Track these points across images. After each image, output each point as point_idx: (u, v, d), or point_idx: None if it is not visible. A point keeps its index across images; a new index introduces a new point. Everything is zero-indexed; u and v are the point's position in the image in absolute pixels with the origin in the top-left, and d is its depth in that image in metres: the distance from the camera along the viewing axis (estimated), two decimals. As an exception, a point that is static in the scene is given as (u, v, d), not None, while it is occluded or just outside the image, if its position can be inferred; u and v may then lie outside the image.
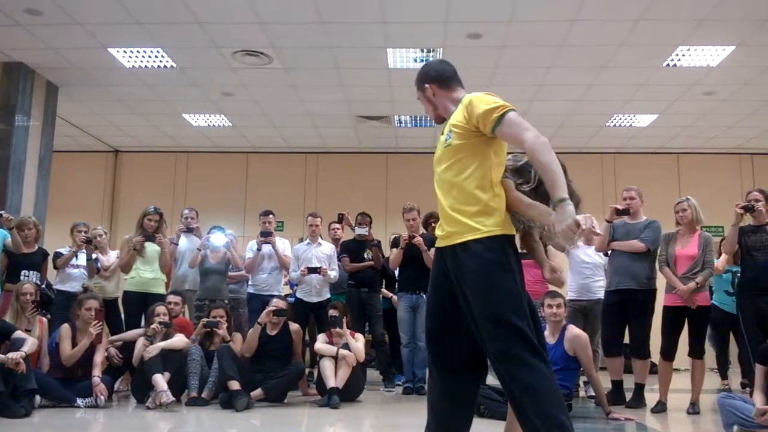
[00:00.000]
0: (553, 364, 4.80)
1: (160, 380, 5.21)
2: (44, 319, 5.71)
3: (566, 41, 7.02)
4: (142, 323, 6.13)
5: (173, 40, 7.22)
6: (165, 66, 7.86)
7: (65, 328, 5.51)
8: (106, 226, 9.22)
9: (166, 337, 5.62)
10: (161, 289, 6.56)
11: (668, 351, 5.54)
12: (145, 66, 7.87)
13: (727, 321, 6.65)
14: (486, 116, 2.52)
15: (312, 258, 6.72)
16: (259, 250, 6.81)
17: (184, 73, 8.12)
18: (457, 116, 2.64)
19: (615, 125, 9.92)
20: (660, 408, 5.45)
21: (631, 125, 9.91)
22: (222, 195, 11.30)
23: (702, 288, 5.47)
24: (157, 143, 11.31)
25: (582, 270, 6.34)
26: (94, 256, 6.57)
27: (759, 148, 10.88)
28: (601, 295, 6.12)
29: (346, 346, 5.81)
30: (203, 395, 5.48)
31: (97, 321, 5.50)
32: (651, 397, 5.67)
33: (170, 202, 10.54)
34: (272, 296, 6.35)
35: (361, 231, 6.99)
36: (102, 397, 5.21)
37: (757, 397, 4.27)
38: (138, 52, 7.52)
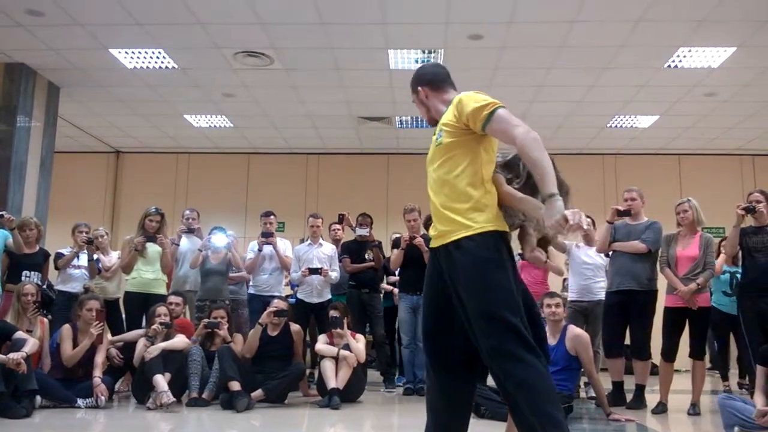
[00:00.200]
0: (555, 365, 4.87)
1: (161, 381, 5.21)
2: (45, 320, 5.72)
3: (567, 42, 7.02)
4: (143, 324, 6.13)
5: (174, 41, 7.23)
6: (166, 67, 7.87)
7: (66, 328, 5.52)
8: (107, 226, 9.23)
9: (167, 337, 5.63)
10: (162, 290, 6.57)
11: (669, 352, 5.54)
12: (147, 67, 7.88)
13: (726, 322, 6.64)
14: (476, 114, 2.53)
15: (313, 259, 6.73)
16: (260, 250, 6.81)
17: (186, 74, 8.13)
18: (448, 115, 2.67)
19: (616, 126, 9.92)
20: (660, 409, 5.44)
21: (632, 126, 9.90)
22: (223, 196, 11.32)
23: (703, 289, 5.47)
24: (158, 144, 11.32)
25: (583, 271, 6.34)
26: (95, 256, 6.58)
27: (760, 149, 10.87)
28: (601, 296, 6.12)
29: (347, 347, 5.81)
30: (204, 396, 5.49)
31: (98, 321, 5.50)
32: (652, 398, 5.67)
33: (171, 202, 10.55)
34: (273, 297, 6.36)
35: (362, 232, 6.99)
36: (103, 398, 5.22)
37: (758, 399, 4.28)
38: (139, 52, 7.53)
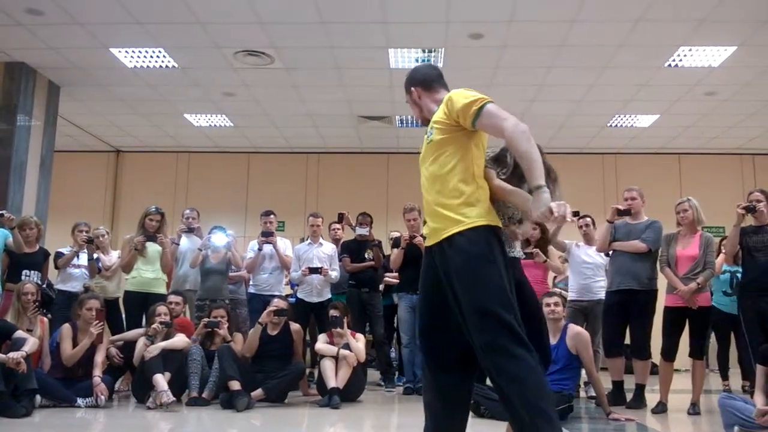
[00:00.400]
0: (555, 363, 4.86)
1: (161, 380, 5.21)
2: (45, 319, 5.71)
3: (567, 41, 7.02)
4: (143, 323, 6.13)
5: (175, 40, 7.23)
6: (166, 66, 7.87)
7: (66, 328, 5.51)
8: (107, 225, 9.22)
9: (167, 337, 5.63)
10: (162, 289, 6.57)
11: (669, 351, 5.54)
12: (147, 66, 7.88)
13: (726, 321, 6.64)
14: (466, 110, 2.56)
15: (313, 258, 6.72)
16: (260, 250, 6.81)
17: (186, 73, 8.13)
18: (438, 113, 2.70)
19: (616, 126, 9.92)
20: (660, 408, 5.44)
21: (632, 126, 9.90)
22: (223, 195, 11.31)
23: (703, 288, 5.46)
24: (158, 143, 11.32)
25: (583, 270, 6.34)
26: (95, 255, 6.58)
27: (760, 148, 10.86)
28: (601, 295, 6.12)
29: (347, 347, 5.81)
30: (204, 395, 5.48)
31: (98, 321, 5.50)
32: (651, 398, 5.66)
33: (171, 202, 10.55)
34: (273, 296, 6.35)
35: (362, 231, 6.99)
36: (102, 397, 5.22)
37: (758, 398, 4.27)
38: (139, 52, 7.53)
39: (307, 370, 6.71)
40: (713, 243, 5.61)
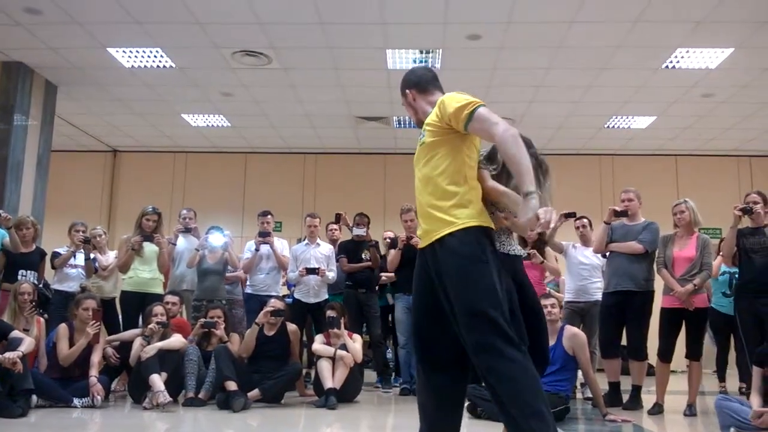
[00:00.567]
0: (552, 364, 4.85)
1: (157, 380, 5.21)
2: (42, 319, 5.70)
3: (565, 42, 7.03)
4: (140, 323, 6.12)
5: (173, 40, 7.22)
6: (164, 66, 7.86)
7: (62, 327, 5.51)
8: (104, 225, 9.17)
9: (164, 337, 5.62)
10: (159, 289, 6.56)
11: (665, 353, 5.55)
12: (144, 66, 7.87)
13: (726, 323, 6.64)
14: (457, 114, 2.59)
15: (311, 258, 6.72)
16: (257, 250, 6.80)
17: (184, 73, 8.12)
18: (431, 116, 2.73)
19: (613, 127, 9.92)
20: (657, 410, 5.45)
21: (629, 127, 9.91)
22: (220, 195, 11.30)
23: (700, 290, 5.47)
24: (155, 143, 11.31)
25: (579, 271, 6.35)
26: (92, 255, 6.57)
27: (757, 150, 10.88)
28: (598, 296, 6.13)
29: (344, 347, 5.81)
30: (200, 396, 5.48)
31: (94, 321, 5.49)
32: (648, 399, 5.67)
33: (168, 202, 10.55)
34: (270, 297, 6.34)
35: (359, 231, 7.00)
36: (99, 397, 5.21)
37: (754, 399, 4.29)
38: (137, 52, 7.52)
39: (304, 371, 6.72)
40: (710, 244, 5.61)
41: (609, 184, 10.99)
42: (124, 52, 7.52)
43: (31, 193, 8.10)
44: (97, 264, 6.63)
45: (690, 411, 5.39)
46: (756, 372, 4.41)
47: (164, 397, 5.09)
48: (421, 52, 7.41)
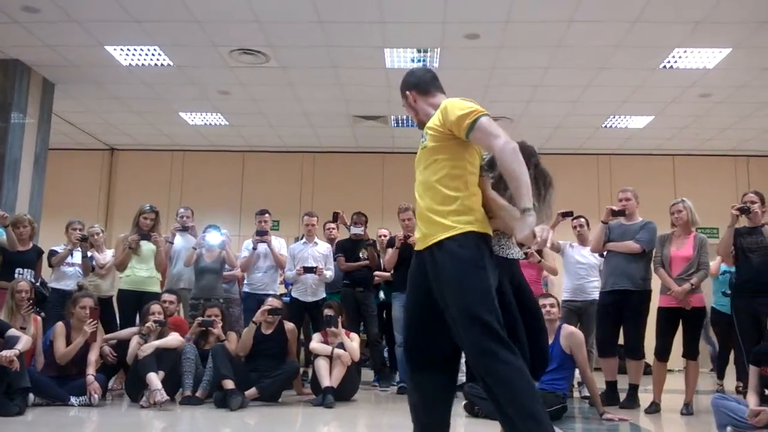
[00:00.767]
0: (550, 363, 4.85)
1: (155, 379, 5.20)
2: (39, 318, 5.69)
3: (563, 42, 7.03)
4: (137, 322, 6.11)
5: (170, 39, 7.21)
6: (162, 64, 7.85)
7: (60, 326, 5.49)
8: (101, 224, 9.17)
9: (161, 335, 5.61)
10: (156, 288, 6.55)
11: (662, 352, 5.55)
12: (142, 64, 7.86)
13: (727, 322, 6.62)
14: (459, 122, 2.60)
15: (308, 257, 6.72)
16: (254, 249, 6.80)
17: (181, 72, 8.11)
18: (434, 120, 2.73)
19: (611, 126, 9.93)
20: (654, 409, 5.45)
21: (627, 127, 9.92)
22: (218, 194, 11.30)
23: (697, 289, 5.47)
24: (153, 141, 11.29)
25: (577, 271, 6.36)
26: (89, 254, 6.56)
27: (755, 150, 10.90)
28: (595, 296, 6.14)
29: (341, 346, 5.81)
30: (197, 394, 5.47)
31: (91, 319, 5.48)
32: (645, 398, 5.68)
33: (166, 200, 10.53)
34: (268, 295, 6.34)
35: (357, 230, 6.99)
36: (96, 396, 5.19)
37: (751, 398, 4.29)
38: (135, 50, 7.51)
39: (301, 370, 6.71)
40: (707, 244, 5.62)
41: (606, 183, 11.00)
42: (121, 50, 7.51)
43: (28, 191, 8.09)
44: (94, 262, 6.62)
45: (687, 410, 5.40)
46: (753, 371, 4.41)
47: (161, 395, 5.08)
48: (420, 51, 7.41)
